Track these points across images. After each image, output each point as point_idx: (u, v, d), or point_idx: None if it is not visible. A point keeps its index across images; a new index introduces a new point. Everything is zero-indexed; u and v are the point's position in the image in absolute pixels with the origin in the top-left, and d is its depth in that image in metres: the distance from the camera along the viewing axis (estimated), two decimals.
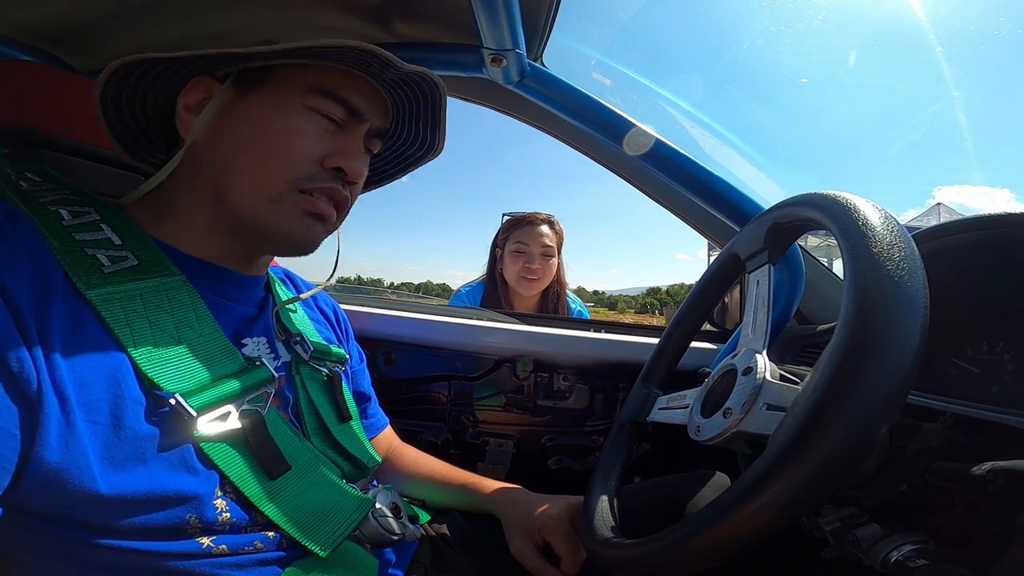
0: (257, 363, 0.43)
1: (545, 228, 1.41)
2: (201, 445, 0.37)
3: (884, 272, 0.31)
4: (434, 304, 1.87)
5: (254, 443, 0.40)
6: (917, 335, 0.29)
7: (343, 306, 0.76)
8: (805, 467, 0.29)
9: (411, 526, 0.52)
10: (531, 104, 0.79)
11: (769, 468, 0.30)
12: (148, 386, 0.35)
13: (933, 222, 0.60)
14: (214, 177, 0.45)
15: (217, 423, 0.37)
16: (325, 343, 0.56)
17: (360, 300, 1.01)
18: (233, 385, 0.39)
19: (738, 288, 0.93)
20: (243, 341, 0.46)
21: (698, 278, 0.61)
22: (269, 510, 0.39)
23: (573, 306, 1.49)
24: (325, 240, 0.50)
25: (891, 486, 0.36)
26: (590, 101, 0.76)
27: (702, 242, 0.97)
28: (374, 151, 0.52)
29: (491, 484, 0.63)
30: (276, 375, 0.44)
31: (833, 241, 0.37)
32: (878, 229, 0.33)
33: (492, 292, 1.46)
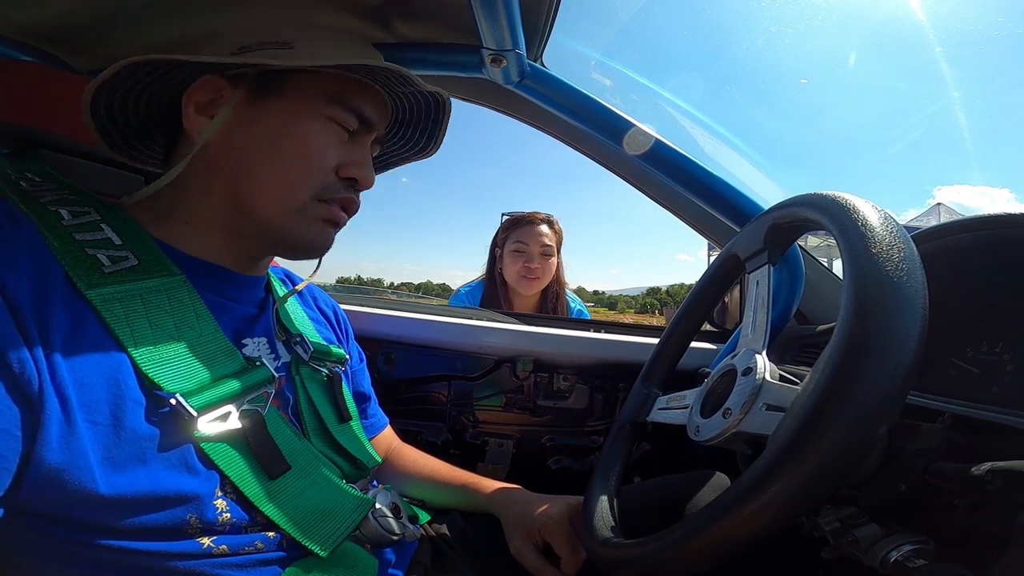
0: (257, 363, 0.43)
1: (544, 227, 1.41)
2: (201, 445, 0.37)
3: (883, 273, 0.31)
4: (434, 304, 1.87)
5: (254, 443, 0.40)
6: (916, 336, 0.29)
7: (343, 306, 0.76)
8: (804, 467, 0.29)
9: (411, 526, 0.52)
10: (531, 104, 0.79)
11: (768, 468, 0.30)
12: (148, 386, 0.35)
13: (933, 222, 0.60)
14: (233, 183, 0.45)
15: (217, 423, 0.37)
16: (325, 343, 0.57)
17: (360, 300, 1.01)
18: (233, 385, 0.39)
19: (738, 288, 0.93)
20: (243, 341, 0.46)
21: (698, 278, 0.61)
22: (269, 510, 0.39)
23: (573, 305, 1.49)
24: None
25: (890, 486, 0.36)
26: (590, 101, 0.76)
27: (702, 242, 0.97)
28: (373, 155, 0.53)
29: (491, 484, 0.63)
30: (276, 375, 0.44)
31: (833, 241, 0.37)
32: (877, 230, 0.33)
33: (492, 292, 1.46)
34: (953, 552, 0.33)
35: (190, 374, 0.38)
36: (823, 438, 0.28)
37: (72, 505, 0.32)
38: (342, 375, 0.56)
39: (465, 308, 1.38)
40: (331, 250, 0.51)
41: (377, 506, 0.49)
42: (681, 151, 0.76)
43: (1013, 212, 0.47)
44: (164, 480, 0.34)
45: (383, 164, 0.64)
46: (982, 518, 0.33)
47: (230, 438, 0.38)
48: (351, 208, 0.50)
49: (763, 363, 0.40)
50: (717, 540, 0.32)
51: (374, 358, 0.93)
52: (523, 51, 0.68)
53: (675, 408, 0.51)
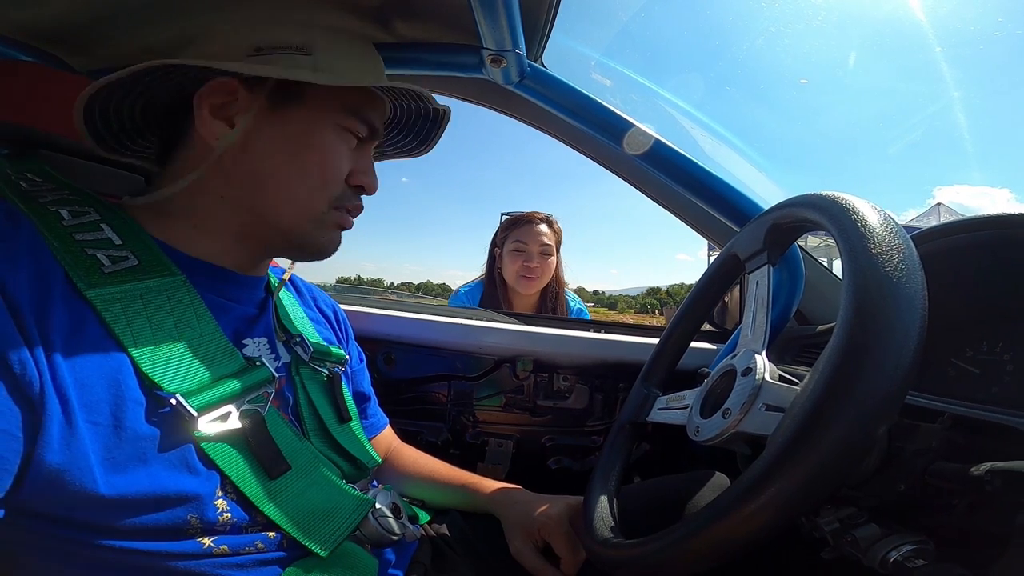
0: (257, 363, 0.43)
1: (543, 227, 1.41)
2: (202, 445, 0.37)
3: (883, 273, 0.31)
4: (434, 304, 1.87)
5: (254, 443, 0.40)
6: (915, 336, 0.29)
7: (343, 306, 0.76)
8: (803, 468, 0.29)
9: (411, 526, 0.52)
10: (531, 104, 0.79)
11: (768, 469, 0.30)
12: (148, 386, 0.35)
13: (933, 222, 0.60)
14: (251, 190, 0.45)
15: (218, 423, 0.37)
16: (325, 344, 0.57)
17: (360, 300, 1.01)
18: (233, 385, 0.39)
19: (738, 288, 0.93)
20: (244, 341, 0.46)
21: (698, 278, 0.61)
22: (269, 510, 0.39)
23: (572, 304, 1.49)
24: None
25: (890, 486, 0.36)
26: (590, 101, 0.76)
27: (702, 242, 0.97)
28: None
29: (491, 484, 0.63)
30: (276, 375, 0.44)
31: (833, 241, 0.37)
32: (877, 230, 0.33)
33: (491, 292, 1.46)
34: (952, 552, 0.33)
35: (190, 374, 0.38)
36: (822, 438, 0.28)
37: (73, 505, 0.32)
38: (342, 375, 0.56)
39: (465, 308, 1.38)
40: None
41: (377, 506, 0.49)
42: (681, 151, 0.76)
43: (1013, 212, 0.47)
44: (165, 480, 0.34)
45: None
46: (981, 518, 0.33)
47: (230, 438, 0.38)
48: (356, 212, 0.51)
49: (763, 363, 0.40)
50: (717, 540, 0.32)
51: (374, 358, 0.93)
52: (523, 51, 0.68)
53: (675, 408, 0.51)
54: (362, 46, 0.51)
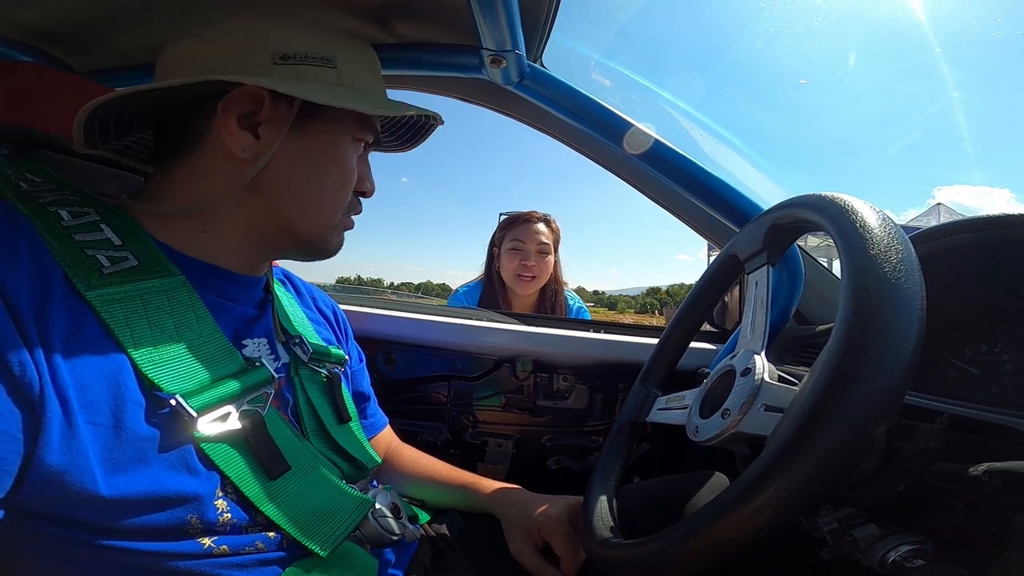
0: (257, 364, 0.43)
1: (541, 226, 1.41)
2: (202, 446, 0.37)
3: (881, 274, 0.31)
4: (434, 304, 1.87)
5: (254, 443, 0.40)
6: (914, 336, 0.29)
7: (343, 306, 0.76)
8: (802, 468, 0.29)
9: (411, 526, 0.52)
10: (531, 105, 0.79)
11: (766, 469, 0.30)
12: (148, 387, 0.35)
13: (933, 222, 0.60)
14: (273, 201, 0.45)
15: (217, 424, 0.37)
16: (324, 344, 0.57)
17: (360, 300, 1.01)
18: (233, 386, 0.39)
19: (738, 288, 0.93)
20: (244, 342, 0.46)
21: (698, 278, 0.61)
22: (269, 510, 0.39)
23: (572, 303, 1.49)
24: None
25: (889, 487, 0.36)
26: (589, 102, 0.76)
27: (702, 242, 0.97)
28: None
29: (490, 484, 0.63)
30: (276, 376, 0.44)
31: (832, 241, 0.37)
32: (875, 231, 0.34)
33: (490, 292, 1.46)
34: (951, 552, 0.33)
35: (190, 375, 0.38)
36: (821, 439, 0.28)
37: (73, 506, 0.32)
38: (341, 376, 0.56)
39: (465, 308, 1.38)
40: None
41: (377, 506, 0.49)
42: (681, 151, 0.76)
43: (1012, 213, 0.47)
44: (165, 481, 0.34)
45: None
46: (980, 518, 0.33)
47: (230, 438, 0.38)
48: (357, 213, 0.53)
49: (762, 364, 0.40)
50: (716, 540, 0.32)
51: (374, 358, 0.93)
52: (523, 52, 0.68)
53: (674, 408, 0.52)
54: (367, 50, 0.51)
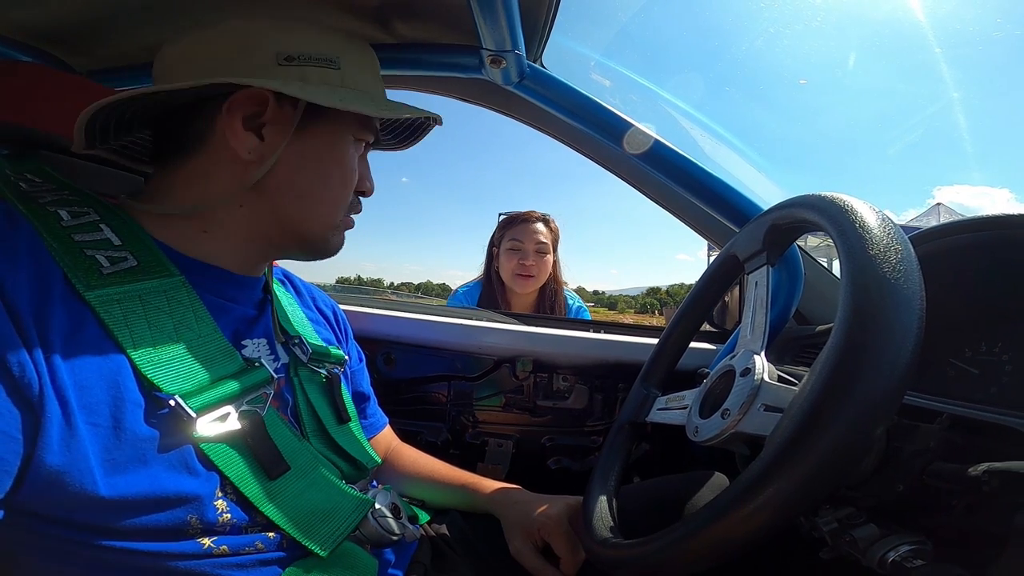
0: (256, 364, 0.43)
1: (540, 225, 1.42)
2: (201, 446, 0.37)
3: (881, 274, 0.31)
4: (433, 304, 1.87)
5: (254, 444, 0.40)
6: (913, 336, 0.29)
7: (343, 306, 0.76)
8: (802, 468, 0.29)
9: (411, 526, 0.52)
10: (531, 105, 0.79)
11: (766, 469, 0.30)
12: (147, 387, 0.35)
13: (933, 222, 0.60)
14: (277, 202, 0.45)
15: (216, 424, 0.37)
16: (324, 345, 0.57)
17: (360, 300, 1.01)
18: (232, 386, 0.39)
19: (738, 288, 0.93)
20: (243, 342, 0.46)
21: (698, 278, 0.61)
22: (269, 510, 0.39)
23: (571, 303, 1.49)
24: None
25: (888, 487, 0.36)
26: (589, 102, 0.76)
27: (702, 242, 0.97)
28: None
29: (490, 484, 0.63)
30: (275, 376, 0.44)
31: (832, 241, 0.37)
32: (875, 231, 0.34)
33: (489, 292, 1.46)
34: (951, 552, 0.33)
35: (189, 375, 0.38)
36: (820, 439, 0.28)
37: (73, 507, 0.32)
38: (341, 376, 0.56)
39: (465, 308, 1.38)
40: None
41: (377, 506, 0.49)
42: (680, 151, 0.76)
43: (1012, 213, 0.47)
44: (164, 481, 0.34)
45: None
46: (979, 518, 0.33)
47: (229, 439, 0.38)
48: (357, 212, 0.53)
49: (761, 364, 0.40)
50: (715, 540, 0.32)
51: (374, 358, 0.93)
52: (522, 52, 0.68)
53: (674, 408, 0.52)
54: (367, 50, 0.51)
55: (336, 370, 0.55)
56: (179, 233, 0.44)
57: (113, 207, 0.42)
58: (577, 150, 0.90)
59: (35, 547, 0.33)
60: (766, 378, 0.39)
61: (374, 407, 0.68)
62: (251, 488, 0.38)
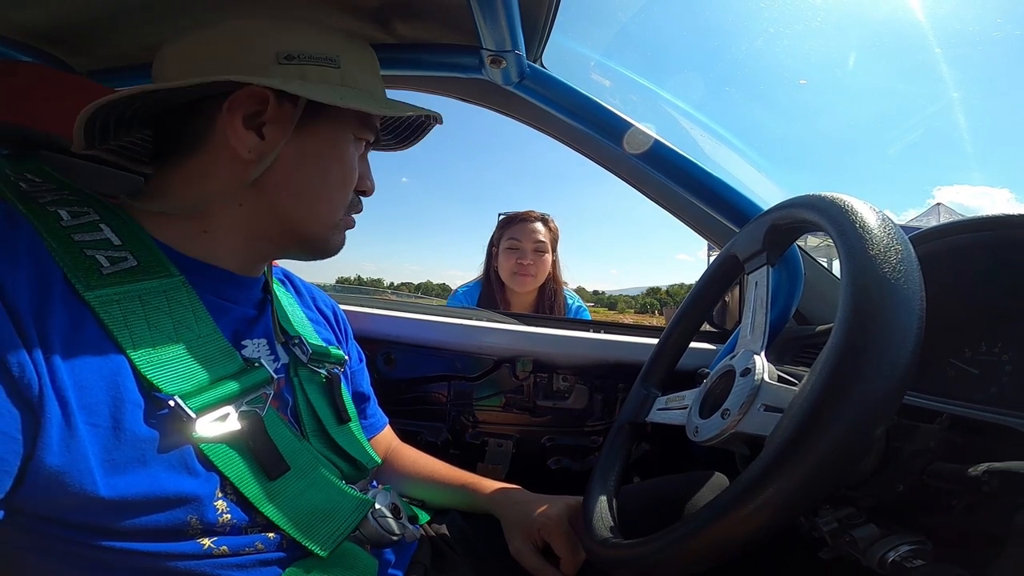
0: (256, 364, 0.43)
1: (538, 225, 1.42)
2: (201, 447, 0.37)
3: (881, 274, 0.31)
4: (433, 304, 1.87)
5: (253, 444, 0.40)
6: (913, 336, 0.29)
7: (343, 306, 0.76)
8: (802, 468, 0.29)
9: (411, 526, 0.52)
10: (531, 105, 0.79)
11: (766, 469, 0.30)
12: (147, 388, 0.35)
13: (933, 222, 0.60)
14: (277, 201, 0.45)
15: (216, 424, 0.37)
16: (324, 345, 0.57)
17: (360, 300, 1.01)
18: (232, 386, 0.39)
19: (738, 288, 0.93)
20: (243, 343, 0.46)
21: (698, 278, 0.61)
22: (269, 511, 0.39)
23: (571, 303, 1.49)
24: None
25: (888, 487, 0.36)
26: (589, 102, 0.76)
27: (702, 242, 0.97)
28: None
29: (490, 484, 0.63)
30: (275, 377, 0.44)
31: (832, 241, 0.37)
32: (875, 231, 0.34)
33: (488, 292, 1.46)
34: (950, 552, 0.33)
35: (188, 375, 0.37)
36: (820, 439, 0.28)
37: (73, 507, 0.32)
38: (341, 376, 0.56)
39: (465, 308, 1.38)
40: None
41: (377, 506, 0.49)
42: (680, 152, 0.76)
43: (1012, 213, 0.47)
44: (164, 482, 0.34)
45: None
46: (979, 518, 0.33)
47: (229, 439, 0.38)
48: (358, 212, 0.53)
49: (761, 364, 0.40)
50: (715, 540, 0.32)
51: (374, 358, 0.93)
52: (522, 52, 0.68)
53: (674, 408, 0.52)
54: (367, 50, 0.51)
55: (336, 370, 0.55)
56: (179, 233, 0.43)
57: (113, 207, 0.42)
58: (577, 150, 0.90)
59: (35, 547, 0.33)
60: (766, 378, 0.39)
61: (374, 407, 0.68)
62: (251, 488, 0.38)
